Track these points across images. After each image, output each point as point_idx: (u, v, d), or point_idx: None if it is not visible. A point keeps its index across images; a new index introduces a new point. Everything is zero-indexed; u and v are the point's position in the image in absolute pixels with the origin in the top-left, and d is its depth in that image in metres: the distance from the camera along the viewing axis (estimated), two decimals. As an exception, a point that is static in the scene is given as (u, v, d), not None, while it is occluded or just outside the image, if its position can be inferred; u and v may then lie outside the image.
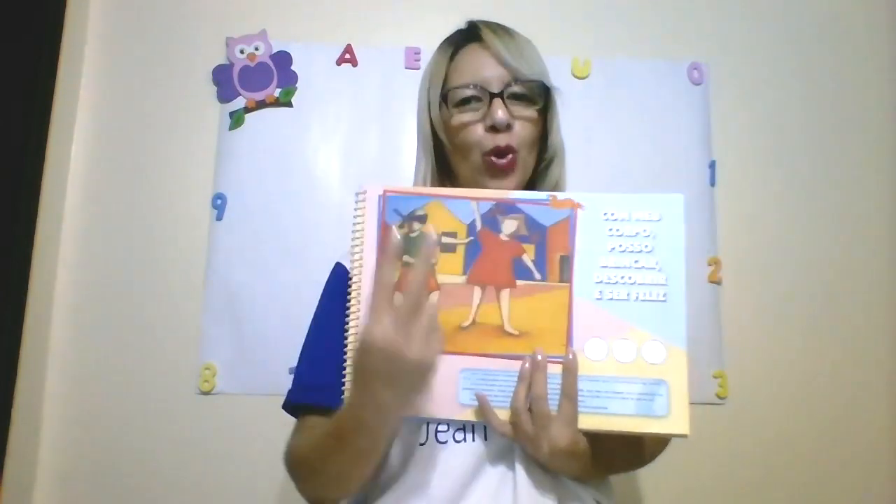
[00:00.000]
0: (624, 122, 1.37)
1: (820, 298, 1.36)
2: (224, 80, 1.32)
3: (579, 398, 0.63)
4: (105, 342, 1.24)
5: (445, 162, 0.86)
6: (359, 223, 0.68)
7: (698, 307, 1.32)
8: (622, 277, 0.66)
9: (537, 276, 0.66)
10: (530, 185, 0.85)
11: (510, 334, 0.66)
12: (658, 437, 0.73)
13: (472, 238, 0.67)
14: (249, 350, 1.24)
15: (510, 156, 0.78)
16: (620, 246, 0.66)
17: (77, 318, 1.24)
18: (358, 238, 0.68)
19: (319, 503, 0.77)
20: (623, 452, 0.75)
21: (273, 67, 1.32)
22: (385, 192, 0.68)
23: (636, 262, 0.66)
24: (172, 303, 1.26)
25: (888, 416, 1.33)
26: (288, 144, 1.31)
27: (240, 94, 1.31)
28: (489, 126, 0.77)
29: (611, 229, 0.67)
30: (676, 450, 1.28)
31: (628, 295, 0.65)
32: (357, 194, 0.69)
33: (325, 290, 0.87)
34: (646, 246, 0.66)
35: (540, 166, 0.84)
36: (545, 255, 0.67)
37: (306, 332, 0.85)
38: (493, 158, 0.78)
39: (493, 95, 0.77)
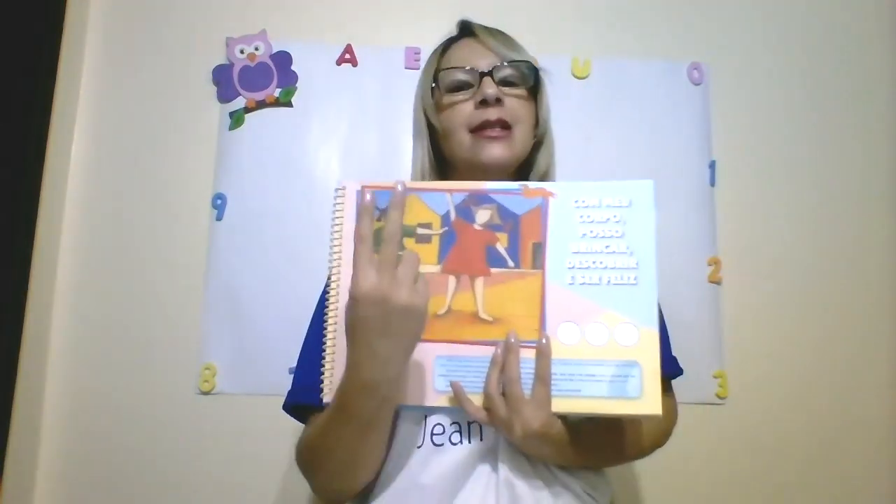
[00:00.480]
0: (624, 122, 1.37)
1: (820, 298, 1.36)
2: (224, 80, 1.32)
3: (553, 382, 0.65)
4: (105, 342, 1.24)
5: (440, 151, 0.88)
6: (338, 218, 0.69)
7: (698, 307, 1.32)
8: (594, 262, 0.67)
9: (510, 263, 0.68)
10: (518, 170, 0.86)
11: (485, 321, 0.67)
12: (635, 419, 0.73)
13: (446, 228, 0.69)
14: (249, 350, 1.24)
15: (500, 128, 0.80)
16: (591, 232, 0.68)
17: (77, 318, 1.24)
18: (337, 233, 0.69)
19: (333, 500, 0.77)
20: (610, 439, 0.74)
21: (273, 67, 1.32)
22: (363, 187, 0.68)
23: (607, 247, 0.67)
24: (172, 303, 1.26)
25: (888, 415, 1.33)
26: (288, 144, 1.31)
27: (240, 94, 1.31)
28: (479, 102, 0.79)
29: (582, 216, 0.68)
30: (676, 450, 1.28)
31: (600, 279, 0.67)
32: (336, 190, 0.70)
33: (324, 290, 0.87)
34: (616, 231, 0.68)
35: (533, 151, 0.86)
36: (518, 243, 0.68)
37: (305, 333, 0.85)
38: (483, 131, 0.80)
39: (482, 75, 0.80)
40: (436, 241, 0.69)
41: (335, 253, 0.69)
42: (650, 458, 0.84)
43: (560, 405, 0.65)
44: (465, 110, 0.81)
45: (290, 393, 0.82)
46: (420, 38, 1.35)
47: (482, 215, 0.69)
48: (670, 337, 0.84)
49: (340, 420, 0.66)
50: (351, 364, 0.62)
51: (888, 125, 1.44)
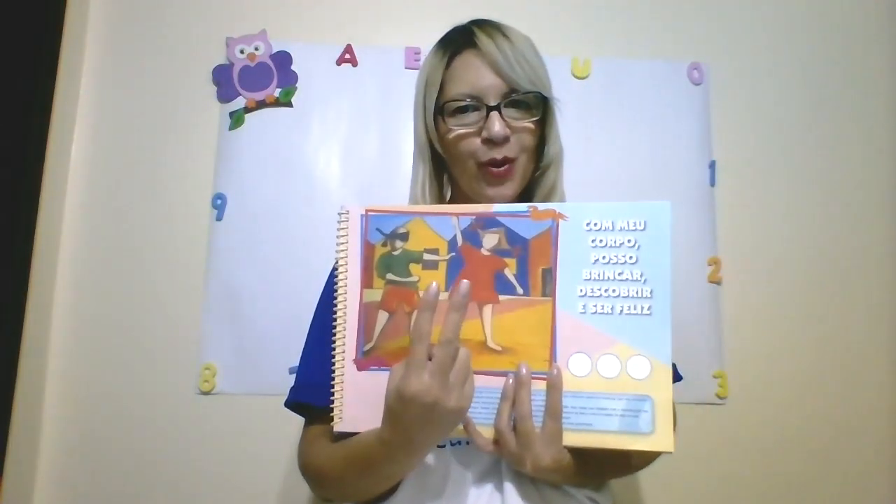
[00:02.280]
0: (624, 122, 1.37)
1: (820, 298, 1.36)
2: (224, 80, 1.32)
3: (563, 415, 0.63)
4: (105, 342, 1.24)
5: (442, 168, 0.86)
6: (342, 243, 0.69)
7: (698, 307, 1.32)
8: (606, 290, 0.65)
9: (519, 290, 0.66)
10: (527, 191, 0.84)
11: (493, 350, 0.65)
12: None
13: (453, 254, 0.67)
14: (249, 350, 1.24)
15: (506, 166, 0.78)
16: (604, 257, 0.65)
17: (77, 318, 1.24)
18: (342, 258, 0.68)
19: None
20: (611, 463, 0.75)
21: (273, 67, 1.32)
22: (367, 211, 0.68)
23: (620, 273, 0.65)
24: (172, 303, 1.26)
25: (888, 415, 1.33)
26: (288, 144, 1.31)
27: (240, 94, 1.31)
28: (485, 139, 0.77)
29: (594, 240, 0.66)
30: (676, 450, 1.28)
31: (612, 308, 0.65)
32: (339, 214, 0.69)
33: (324, 292, 0.88)
34: (630, 257, 0.65)
35: (535, 174, 0.83)
36: (527, 268, 0.66)
37: (307, 332, 0.85)
38: (490, 168, 0.78)
39: (489, 108, 0.77)
40: (443, 267, 0.67)
41: (341, 280, 0.68)
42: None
43: (570, 439, 0.64)
44: (472, 143, 0.78)
45: (292, 390, 0.83)
46: (420, 38, 1.35)
47: (490, 240, 0.67)
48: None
49: (362, 471, 0.68)
50: (384, 440, 0.63)
51: (888, 125, 1.44)
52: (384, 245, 0.67)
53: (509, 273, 0.66)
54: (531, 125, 0.78)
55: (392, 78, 1.34)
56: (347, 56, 1.34)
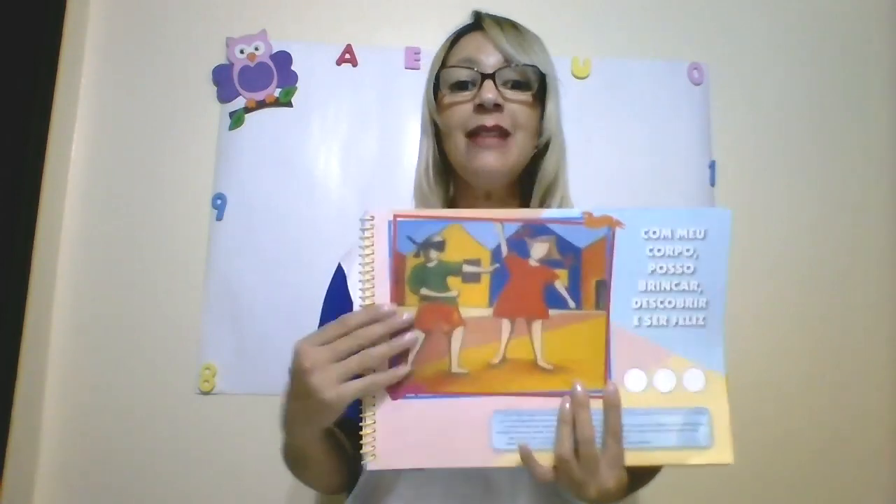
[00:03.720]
0: (624, 122, 1.37)
1: (820, 298, 1.36)
2: (224, 80, 1.32)
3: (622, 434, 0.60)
4: (105, 342, 1.24)
5: (447, 174, 0.86)
6: (367, 254, 0.61)
7: (698, 307, 1.32)
8: (662, 302, 0.62)
9: (571, 304, 0.61)
10: (524, 175, 0.83)
11: (544, 370, 0.61)
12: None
13: (497, 265, 0.61)
14: (249, 350, 1.24)
15: (497, 136, 0.76)
16: (661, 268, 0.62)
17: (77, 318, 1.24)
18: (367, 270, 0.61)
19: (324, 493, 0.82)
20: (653, 471, 0.77)
21: (273, 67, 1.32)
22: (396, 217, 0.61)
23: (677, 284, 0.62)
24: (172, 303, 1.26)
25: (889, 415, 1.33)
26: (288, 144, 1.31)
27: (240, 94, 1.31)
28: (477, 105, 0.76)
29: (651, 250, 0.61)
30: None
31: (668, 321, 0.62)
32: (363, 220, 0.61)
33: (328, 293, 0.88)
34: (688, 267, 0.62)
35: (536, 160, 0.82)
36: (580, 280, 0.61)
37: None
38: (477, 136, 0.76)
39: (484, 76, 0.76)
40: (486, 280, 0.62)
41: (367, 295, 0.61)
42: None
43: (630, 458, 0.60)
44: (463, 112, 0.77)
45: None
46: (420, 38, 1.35)
47: (538, 249, 0.61)
48: None
49: (288, 450, 0.75)
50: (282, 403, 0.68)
51: (888, 125, 1.44)
52: (417, 256, 0.61)
53: (560, 286, 0.62)
54: (528, 98, 0.78)
55: (392, 78, 1.34)
56: (347, 56, 1.34)
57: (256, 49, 1.32)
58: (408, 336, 0.60)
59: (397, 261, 0.61)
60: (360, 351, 0.59)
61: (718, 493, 1.28)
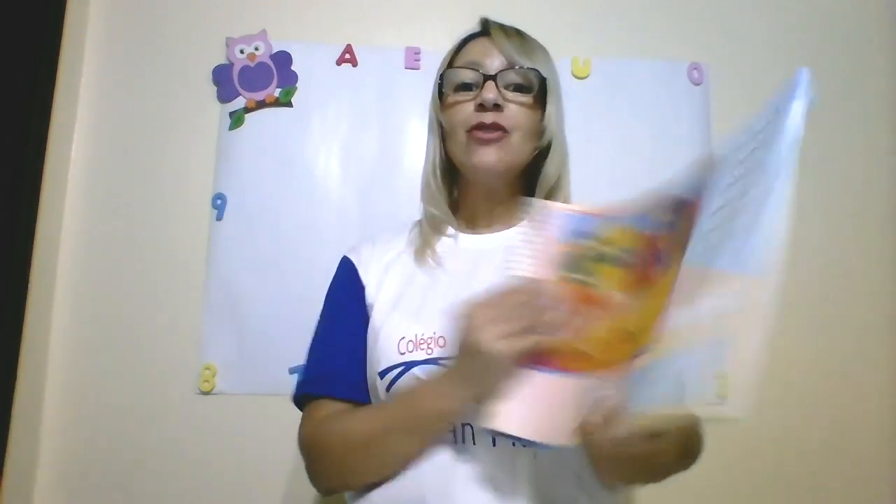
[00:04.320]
0: (624, 122, 1.37)
1: (820, 298, 1.36)
2: (224, 80, 1.32)
3: (641, 389, 0.53)
4: (105, 342, 1.24)
5: (453, 175, 0.88)
6: (530, 243, 0.67)
7: (698, 307, 1.31)
8: (720, 221, 0.54)
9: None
10: (526, 176, 0.86)
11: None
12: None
13: (635, 250, 0.63)
14: (249, 350, 1.24)
15: (496, 133, 0.79)
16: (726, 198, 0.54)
17: (77, 318, 1.24)
18: (526, 260, 0.67)
19: (332, 490, 0.78)
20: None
21: (273, 67, 1.32)
22: (558, 210, 0.68)
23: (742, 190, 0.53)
24: (172, 303, 1.26)
25: (889, 415, 1.33)
26: (288, 144, 1.31)
27: (240, 94, 1.31)
28: (478, 104, 0.79)
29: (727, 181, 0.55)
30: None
31: (720, 237, 0.53)
32: (529, 212, 0.70)
33: (333, 284, 0.88)
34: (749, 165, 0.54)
35: (537, 164, 0.85)
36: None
37: (317, 324, 0.86)
38: (476, 131, 0.79)
39: (486, 77, 0.80)
40: (625, 265, 0.63)
41: (525, 269, 0.66)
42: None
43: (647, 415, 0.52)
44: (465, 111, 0.81)
45: (301, 384, 0.82)
46: (420, 39, 1.35)
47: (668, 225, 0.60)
48: None
49: (390, 428, 0.70)
50: (439, 377, 0.68)
51: (888, 125, 1.44)
52: (570, 244, 0.65)
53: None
54: (528, 100, 0.81)
55: (392, 78, 1.34)
56: (347, 56, 1.34)
57: (256, 49, 1.32)
58: (562, 309, 0.64)
59: (553, 246, 0.67)
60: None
61: (718, 492, 1.28)
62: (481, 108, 0.79)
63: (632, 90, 1.38)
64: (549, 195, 0.83)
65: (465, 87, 0.82)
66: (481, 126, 0.79)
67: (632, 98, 1.38)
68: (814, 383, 1.33)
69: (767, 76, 1.43)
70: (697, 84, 1.40)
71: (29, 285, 1.18)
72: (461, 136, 0.81)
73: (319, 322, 0.85)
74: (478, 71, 0.81)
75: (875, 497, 1.31)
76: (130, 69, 1.32)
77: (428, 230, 0.85)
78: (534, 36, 0.89)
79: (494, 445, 0.69)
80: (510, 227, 0.85)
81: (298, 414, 0.81)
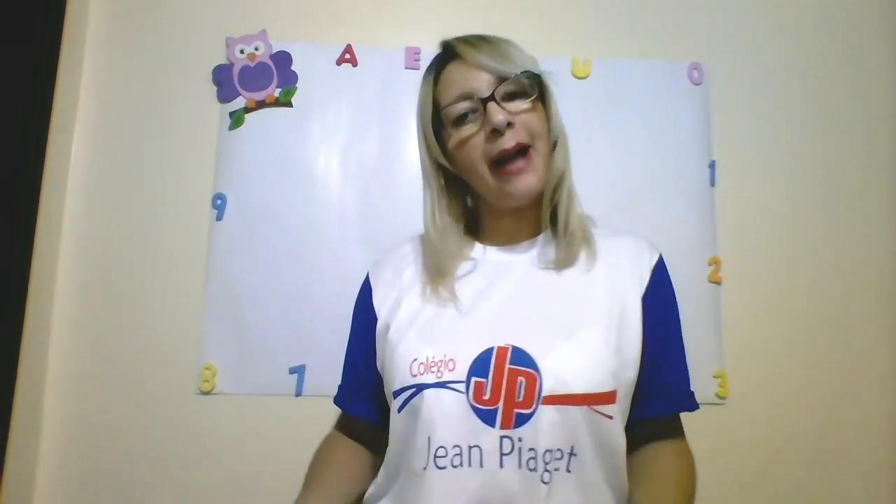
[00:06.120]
0: (624, 122, 1.37)
1: (820, 298, 1.36)
2: (224, 80, 1.32)
3: None
4: (105, 342, 1.24)
5: (462, 190, 0.86)
6: None
7: (698, 307, 1.32)
8: None
9: None
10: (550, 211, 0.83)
11: None
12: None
13: None
14: (249, 350, 1.24)
15: (523, 156, 0.76)
16: None
17: (77, 317, 1.24)
18: None
19: None
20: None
21: (273, 67, 1.32)
22: None
23: None
24: (172, 303, 1.26)
25: (888, 415, 1.33)
26: (288, 144, 1.31)
27: (240, 94, 1.31)
28: (490, 132, 0.76)
29: None
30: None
31: None
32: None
33: (355, 306, 0.91)
34: None
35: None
36: None
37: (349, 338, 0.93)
38: (503, 166, 0.76)
39: (485, 101, 0.76)
40: None
41: None
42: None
43: None
44: (478, 143, 0.77)
45: (339, 392, 0.92)
46: (420, 39, 1.35)
47: None
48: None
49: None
50: None
51: (889, 125, 1.44)
52: None
53: None
54: (530, 105, 0.78)
55: (392, 78, 1.34)
56: (347, 56, 1.34)
57: (256, 49, 1.32)
58: None
59: None
60: None
61: (718, 492, 1.28)
62: (495, 133, 0.75)
63: (632, 90, 1.38)
64: (556, 189, 0.81)
65: (464, 118, 0.78)
66: (506, 156, 0.76)
67: (632, 98, 1.38)
68: (814, 383, 1.33)
69: (767, 76, 1.43)
70: (697, 84, 1.40)
71: (29, 285, 1.17)
72: (484, 170, 0.77)
73: (351, 336, 0.90)
74: (472, 98, 0.77)
75: (875, 497, 1.31)
76: (130, 69, 1.32)
77: (436, 272, 0.82)
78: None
79: (482, 466, 0.69)
80: (531, 238, 0.83)
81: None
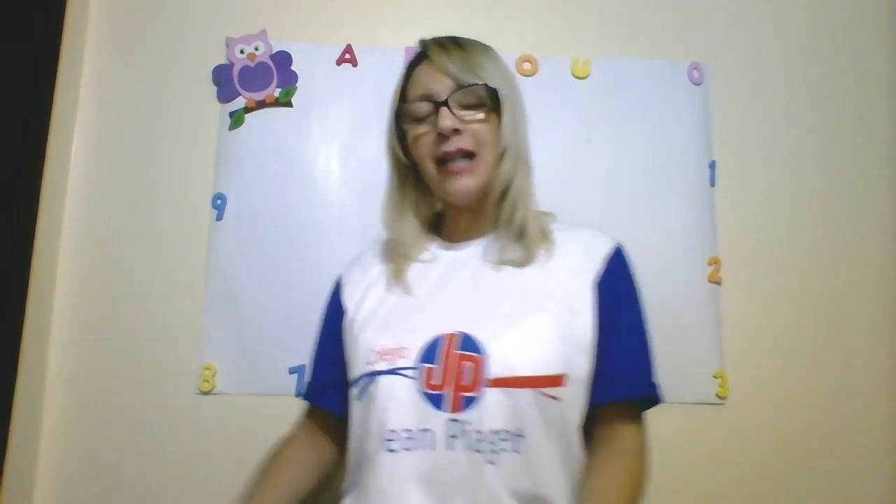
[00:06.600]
0: (624, 122, 1.37)
1: (820, 298, 1.36)
2: (224, 80, 1.32)
3: None
4: (105, 342, 1.24)
5: (421, 181, 0.90)
6: None
7: (698, 307, 1.31)
8: None
9: None
10: (491, 188, 0.85)
11: None
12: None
13: None
14: (249, 350, 1.24)
15: (468, 160, 0.81)
16: None
17: (77, 318, 1.24)
18: None
19: None
20: None
21: (273, 67, 1.32)
22: None
23: None
24: (172, 303, 1.26)
25: (888, 415, 1.33)
26: (288, 144, 1.31)
27: (240, 94, 1.31)
28: (437, 134, 0.81)
29: None
30: (677, 450, 1.28)
31: None
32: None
33: (325, 306, 0.96)
34: None
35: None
36: None
37: (319, 333, 0.96)
38: (447, 166, 0.81)
39: (437, 104, 0.81)
40: None
41: None
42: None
43: None
44: (427, 142, 0.82)
45: (308, 388, 0.94)
46: (420, 39, 1.34)
47: None
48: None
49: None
50: None
51: (889, 124, 1.44)
52: None
53: None
54: (482, 115, 0.82)
55: (392, 78, 1.31)
56: (347, 56, 1.34)
57: (256, 49, 1.32)
58: None
59: None
60: None
61: (718, 492, 1.28)
62: (441, 136, 0.80)
63: (632, 90, 1.38)
64: (503, 200, 0.83)
65: (421, 117, 0.83)
66: (448, 157, 0.81)
67: (632, 98, 1.38)
68: (814, 383, 1.33)
69: (767, 76, 1.43)
70: (697, 84, 1.40)
71: (29, 285, 1.17)
72: (431, 167, 0.83)
73: (321, 333, 0.94)
74: (429, 101, 0.82)
75: (875, 497, 1.31)
76: (130, 69, 1.32)
77: (396, 257, 0.87)
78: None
79: (450, 450, 0.71)
80: (484, 236, 0.87)
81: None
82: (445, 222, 0.91)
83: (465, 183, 0.81)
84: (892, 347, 1.36)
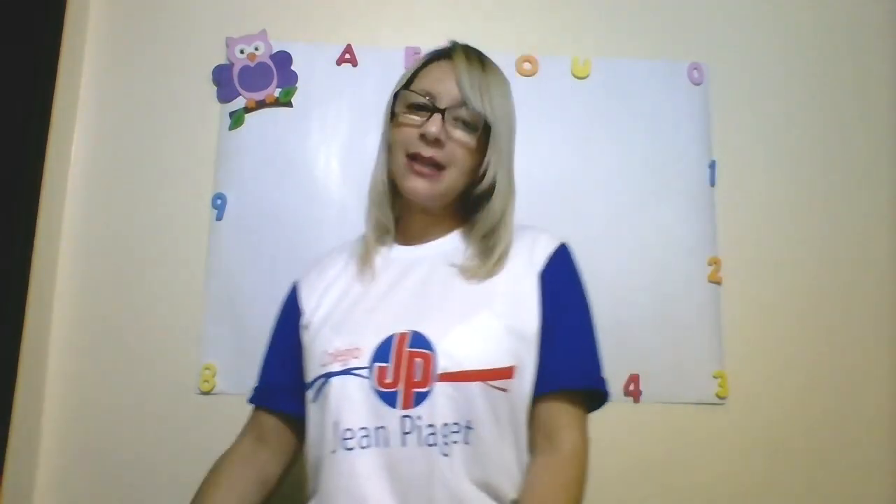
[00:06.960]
0: (624, 122, 1.37)
1: (820, 298, 1.36)
2: (224, 80, 1.32)
3: None
4: (105, 342, 1.24)
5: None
6: None
7: (698, 307, 1.32)
8: None
9: None
10: (469, 203, 0.86)
11: None
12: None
13: None
14: (249, 350, 1.23)
15: (432, 167, 0.81)
16: None
17: (77, 318, 1.24)
18: None
19: None
20: None
21: (273, 67, 1.32)
22: None
23: None
24: (172, 303, 1.26)
25: (888, 415, 1.33)
26: (288, 144, 1.31)
27: (240, 94, 1.31)
28: (421, 134, 0.81)
29: None
30: (676, 450, 1.28)
31: None
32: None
33: (280, 308, 0.95)
34: None
35: (474, 197, 0.86)
36: None
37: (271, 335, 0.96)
38: (414, 163, 0.82)
39: (436, 110, 0.81)
40: None
41: None
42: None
43: None
44: (409, 134, 0.82)
45: (257, 392, 0.94)
46: (420, 38, 1.35)
47: None
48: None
49: None
50: None
51: (889, 124, 1.44)
52: None
53: None
54: (468, 141, 0.82)
55: (392, 78, 1.30)
56: (347, 56, 1.34)
57: (256, 49, 1.32)
58: None
59: None
60: None
61: (718, 492, 1.28)
62: (423, 139, 0.81)
63: (632, 90, 1.38)
64: (492, 233, 0.84)
65: (417, 109, 0.83)
66: (418, 157, 0.81)
67: (632, 98, 1.38)
68: (814, 383, 1.33)
69: (767, 76, 1.43)
70: (697, 84, 1.40)
71: (29, 285, 1.17)
72: (400, 158, 0.83)
73: (269, 338, 0.94)
74: (430, 101, 0.82)
75: (875, 497, 1.31)
76: (130, 69, 1.33)
77: (372, 238, 0.89)
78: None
79: (388, 446, 0.72)
80: (442, 237, 0.88)
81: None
82: (402, 221, 0.91)
83: (422, 186, 0.82)
84: (892, 347, 1.36)
